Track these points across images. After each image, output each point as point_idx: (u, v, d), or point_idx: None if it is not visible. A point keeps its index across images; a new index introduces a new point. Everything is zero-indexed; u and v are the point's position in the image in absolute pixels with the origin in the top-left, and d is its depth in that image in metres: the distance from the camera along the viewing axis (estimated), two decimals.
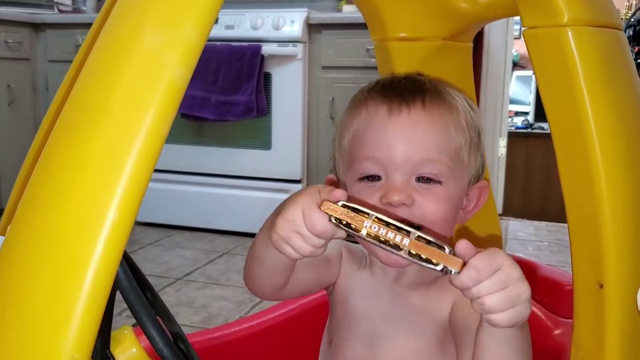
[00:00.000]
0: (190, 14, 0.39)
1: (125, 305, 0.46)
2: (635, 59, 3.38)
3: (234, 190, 2.55)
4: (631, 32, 3.40)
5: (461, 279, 0.46)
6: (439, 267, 0.45)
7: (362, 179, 0.61)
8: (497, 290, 0.46)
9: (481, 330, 0.52)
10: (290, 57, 2.39)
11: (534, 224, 2.81)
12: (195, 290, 1.93)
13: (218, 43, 2.40)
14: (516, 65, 4.06)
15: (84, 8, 3.00)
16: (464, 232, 0.86)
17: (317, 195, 0.51)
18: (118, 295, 0.46)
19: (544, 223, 2.80)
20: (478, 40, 2.58)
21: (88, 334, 0.37)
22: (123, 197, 0.37)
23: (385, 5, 0.78)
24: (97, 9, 2.94)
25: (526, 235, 2.64)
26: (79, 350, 0.36)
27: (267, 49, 2.36)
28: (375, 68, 0.87)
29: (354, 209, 0.48)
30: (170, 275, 2.05)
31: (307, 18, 2.39)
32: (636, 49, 3.38)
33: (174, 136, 2.53)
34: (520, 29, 0.62)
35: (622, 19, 3.87)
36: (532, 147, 3.51)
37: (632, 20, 3.42)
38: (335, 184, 0.66)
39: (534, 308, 0.77)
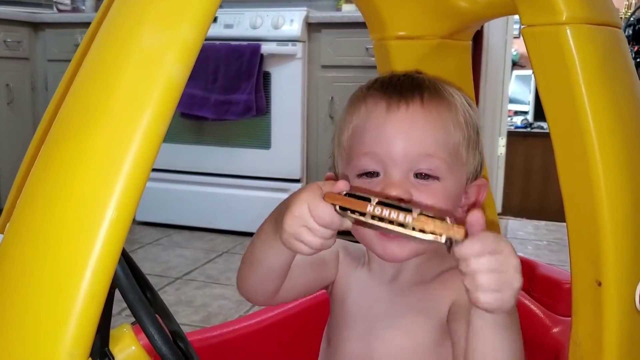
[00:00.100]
0: (187, 14, 0.39)
1: (124, 305, 0.46)
2: (635, 58, 3.38)
3: (234, 190, 2.55)
4: (631, 31, 3.40)
5: (464, 248, 0.46)
6: (443, 239, 0.46)
7: (360, 175, 0.61)
8: (492, 270, 0.46)
9: (472, 314, 0.51)
10: (289, 56, 2.39)
11: (533, 223, 2.81)
12: (195, 289, 1.93)
13: (217, 42, 2.40)
14: (516, 64, 4.06)
15: (83, 7, 3.00)
16: None
17: (319, 190, 0.52)
18: (118, 294, 0.46)
19: (543, 222, 2.80)
20: (477, 40, 2.58)
21: (87, 331, 0.37)
22: (121, 195, 0.37)
23: (384, 4, 0.78)
24: (96, 8, 2.93)
25: (525, 235, 2.64)
26: (78, 347, 0.36)
27: (266, 48, 2.36)
28: (374, 67, 0.87)
29: (356, 196, 0.50)
30: (170, 275, 2.05)
31: (307, 17, 2.39)
32: (636, 48, 3.38)
33: (173, 135, 2.53)
34: (520, 28, 0.63)
35: (621, 18, 3.87)
36: (531, 147, 3.52)
37: (632, 19, 3.42)
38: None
39: (532, 306, 0.77)
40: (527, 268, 0.89)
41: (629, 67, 0.57)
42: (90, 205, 0.37)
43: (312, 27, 2.41)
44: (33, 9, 2.84)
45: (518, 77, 4.21)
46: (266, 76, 2.43)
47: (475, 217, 0.46)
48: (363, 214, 0.49)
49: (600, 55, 0.53)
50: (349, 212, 0.50)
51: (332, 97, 2.40)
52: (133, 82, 0.39)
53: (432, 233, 0.46)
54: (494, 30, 2.68)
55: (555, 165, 0.57)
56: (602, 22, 0.54)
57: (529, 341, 0.76)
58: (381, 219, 0.48)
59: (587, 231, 0.55)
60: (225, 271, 2.11)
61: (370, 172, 0.60)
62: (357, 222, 0.51)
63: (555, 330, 0.73)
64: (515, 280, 0.46)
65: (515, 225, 2.77)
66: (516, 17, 0.59)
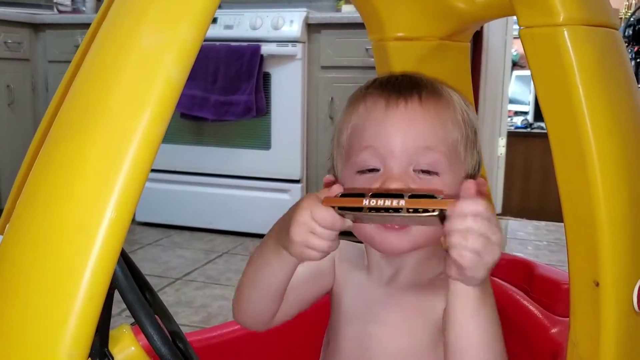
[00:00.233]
0: (186, 15, 0.39)
1: (124, 305, 0.46)
2: (635, 58, 3.38)
3: (234, 190, 2.55)
4: (631, 32, 3.40)
5: (459, 206, 0.48)
6: (436, 212, 0.49)
7: (360, 171, 0.62)
8: (481, 233, 0.48)
9: (450, 290, 0.53)
10: (289, 57, 2.39)
11: (533, 224, 2.81)
12: (195, 290, 1.93)
13: (217, 43, 2.41)
14: (516, 64, 4.06)
15: (84, 8, 3.00)
16: None
17: (317, 197, 0.54)
18: (118, 295, 0.47)
19: (543, 222, 2.80)
20: (477, 40, 2.58)
21: (86, 331, 0.37)
22: (121, 196, 0.37)
23: (383, 5, 0.79)
24: (97, 10, 2.94)
25: (525, 235, 2.64)
26: (77, 348, 0.36)
27: (266, 48, 2.37)
28: (374, 68, 0.87)
29: (351, 195, 0.53)
30: (170, 275, 2.06)
31: (306, 18, 2.40)
32: (636, 48, 3.38)
33: (173, 136, 2.53)
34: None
35: (621, 18, 3.87)
36: (531, 147, 3.51)
37: (632, 19, 3.42)
38: (334, 184, 0.66)
39: (531, 307, 0.77)
40: (526, 268, 0.89)
41: (626, 68, 0.57)
42: (89, 205, 0.38)
43: (312, 27, 2.42)
44: (33, 10, 2.84)
45: (518, 77, 4.21)
46: (266, 77, 2.43)
47: (469, 184, 0.50)
48: (360, 209, 0.51)
49: (597, 56, 0.54)
50: (347, 210, 0.52)
51: (332, 98, 2.40)
52: (132, 83, 0.39)
53: (425, 211, 0.49)
54: (493, 30, 2.69)
55: None
56: (599, 23, 0.55)
57: (528, 341, 0.76)
58: (377, 210, 0.50)
59: (585, 231, 0.55)
60: (225, 272, 2.11)
61: (369, 168, 0.61)
62: (356, 219, 0.53)
63: (553, 330, 0.73)
64: (496, 251, 0.49)
65: (515, 226, 2.78)
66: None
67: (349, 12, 2.54)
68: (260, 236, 2.52)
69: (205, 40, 0.41)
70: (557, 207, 0.57)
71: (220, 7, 0.42)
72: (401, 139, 0.60)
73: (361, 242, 0.67)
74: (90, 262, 0.37)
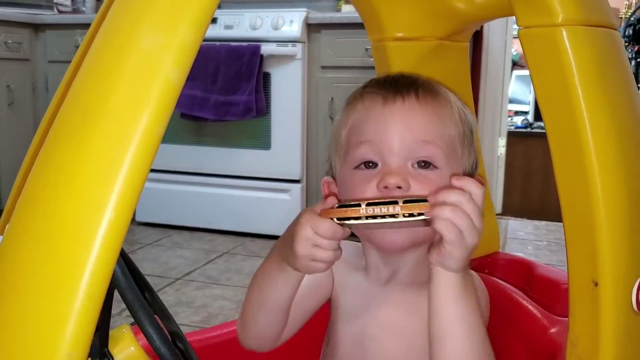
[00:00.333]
0: (185, 16, 0.39)
1: (124, 305, 0.47)
2: (635, 58, 3.38)
3: (234, 190, 2.55)
4: (631, 31, 3.40)
5: (459, 180, 0.52)
6: (431, 215, 0.52)
7: (358, 166, 0.62)
8: (467, 211, 0.51)
9: (431, 287, 0.55)
10: (289, 57, 2.39)
11: (533, 223, 2.81)
12: (195, 290, 1.93)
13: (217, 43, 2.41)
14: (516, 64, 4.06)
15: (84, 9, 3.00)
16: None
17: (314, 212, 0.55)
18: (118, 296, 0.47)
19: (543, 222, 2.80)
20: (477, 40, 2.59)
21: (85, 332, 0.37)
22: (120, 196, 0.37)
23: (382, 6, 0.79)
24: (97, 10, 2.93)
25: (525, 235, 2.64)
26: (76, 348, 0.37)
27: (266, 48, 2.37)
28: (374, 68, 0.88)
29: (347, 205, 0.54)
30: (170, 275, 2.06)
31: (306, 18, 2.40)
32: (636, 47, 3.38)
33: (173, 136, 2.53)
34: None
35: (621, 17, 3.87)
36: (531, 147, 3.52)
37: (632, 19, 3.42)
38: (332, 185, 0.67)
39: (530, 307, 0.77)
40: (526, 268, 0.89)
41: (625, 68, 0.57)
42: (88, 206, 0.38)
43: (312, 27, 2.42)
44: (33, 10, 2.85)
45: (518, 77, 4.21)
46: (266, 77, 2.44)
47: (457, 176, 0.54)
48: (358, 218, 0.53)
49: (596, 56, 0.54)
50: (345, 220, 0.54)
51: (332, 98, 2.40)
52: (131, 84, 0.39)
53: (420, 214, 0.52)
54: (494, 30, 2.69)
55: None
56: (598, 23, 0.55)
57: (527, 341, 0.76)
58: (374, 217, 0.53)
59: (584, 231, 0.55)
60: (225, 272, 2.11)
61: (367, 163, 0.61)
62: (354, 228, 0.55)
63: (553, 330, 0.73)
64: (476, 237, 0.52)
65: (515, 226, 2.78)
66: None
67: (349, 12, 2.54)
68: (261, 236, 2.53)
69: (205, 40, 0.41)
70: (557, 207, 0.58)
71: (220, 7, 0.42)
72: (399, 134, 0.60)
73: (358, 241, 0.67)
74: (89, 262, 0.37)
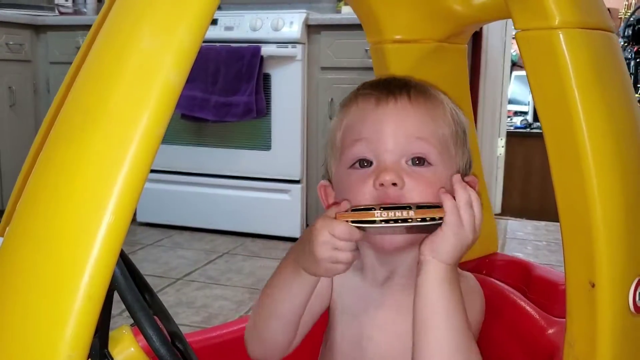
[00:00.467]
0: (185, 17, 0.40)
1: (124, 306, 0.47)
2: (635, 58, 3.38)
3: (234, 191, 2.55)
4: (630, 32, 3.40)
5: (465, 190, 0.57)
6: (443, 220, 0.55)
7: (353, 165, 0.63)
8: (474, 209, 0.56)
9: (418, 279, 0.57)
10: (289, 58, 2.40)
11: (532, 224, 2.81)
12: (196, 290, 1.94)
13: (217, 44, 2.41)
14: (515, 65, 4.06)
15: (85, 10, 3.01)
16: None
17: (329, 217, 0.56)
18: (118, 296, 0.47)
19: (542, 222, 2.80)
20: (477, 40, 2.59)
21: (85, 332, 0.37)
22: (119, 198, 0.38)
23: (381, 8, 0.79)
24: (98, 11, 2.94)
25: (525, 235, 2.64)
26: (76, 349, 0.37)
27: (266, 50, 2.37)
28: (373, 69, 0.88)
29: (362, 209, 0.56)
30: (171, 276, 2.06)
31: (306, 19, 2.40)
32: (635, 48, 3.38)
33: (174, 137, 2.54)
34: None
35: (621, 18, 3.87)
36: (530, 147, 3.52)
37: (632, 19, 3.42)
38: (328, 189, 0.68)
39: (528, 308, 0.77)
40: (524, 269, 0.89)
41: (621, 71, 0.58)
42: (88, 207, 0.38)
43: (312, 29, 2.42)
44: (35, 11, 2.85)
45: (517, 77, 4.21)
46: (266, 78, 2.44)
47: (458, 176, 0.58)
48: (373, 222, 0.55)
49: (593, 59, 0.54)
50: (360, 224, 0.56)
51: (331, 99, 2.41)
52: (131, 86, 0.39)
53: (432, 219, 0.55)
54: (493, 31, 2.69)
55: None
56: (594, 26, 0.55)
57: (524, 342, 0.76)
58: (387, 221, 0.55)
59: (581, 232, 0.55)
60: (225, 272, 2.11)
61: (362, 162, 0.62)
62: (367, 231, 0.57)
63: (550, 331, 0.73)
64: (470, 238, 0.56)
65: (514, 226, 2.78)
66: None
67: (348, 13, 2.54)
68: (261, 236, 2.53)
69: (205, 42, 0.41)
70: (557, 208, 0.58)
71: (220, 8, 0.43)
72: (392, 132, 0.61)
73: None
74: (89, 263, 0.37)
